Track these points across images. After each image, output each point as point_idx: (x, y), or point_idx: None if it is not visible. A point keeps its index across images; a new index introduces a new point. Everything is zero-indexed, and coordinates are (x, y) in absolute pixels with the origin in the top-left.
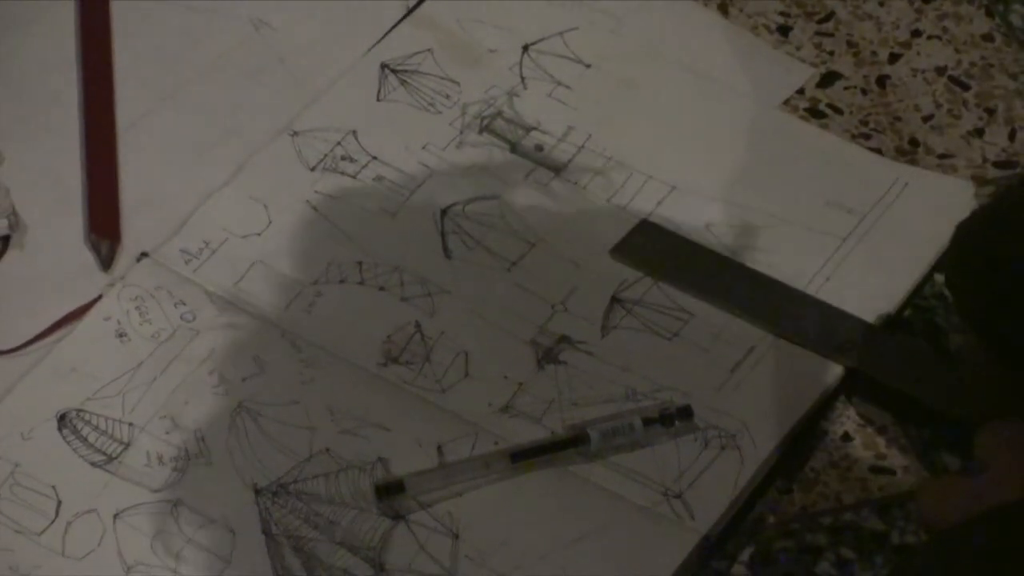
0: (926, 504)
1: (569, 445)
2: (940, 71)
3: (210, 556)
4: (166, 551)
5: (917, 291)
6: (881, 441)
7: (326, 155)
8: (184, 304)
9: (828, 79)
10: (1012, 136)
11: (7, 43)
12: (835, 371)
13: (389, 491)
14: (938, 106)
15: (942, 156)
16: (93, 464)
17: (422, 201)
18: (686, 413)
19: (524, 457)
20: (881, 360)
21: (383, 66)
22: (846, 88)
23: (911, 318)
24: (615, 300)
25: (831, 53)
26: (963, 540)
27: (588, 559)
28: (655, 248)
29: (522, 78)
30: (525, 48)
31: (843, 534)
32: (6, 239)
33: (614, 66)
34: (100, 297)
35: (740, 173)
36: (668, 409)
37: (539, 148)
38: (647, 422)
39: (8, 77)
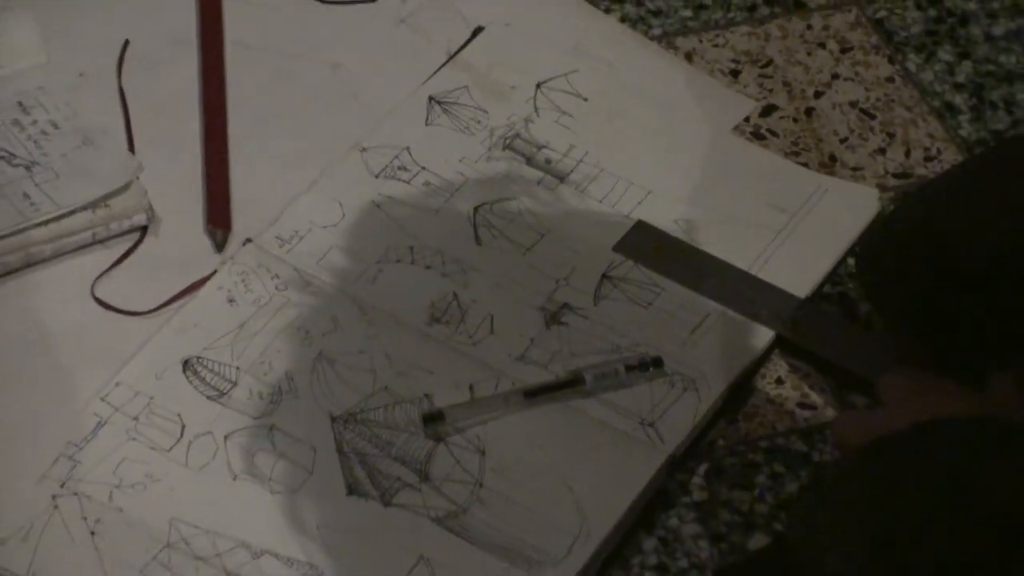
0: (839, 432)
1: (569, 385)
2: (853, 104)
3: (297, 468)
4: (264, 464)
5: (834, 271)
6: (805, 384)
7: (387, 166)
8: (278, 278)
9: (768, 110)
10: (908, 154)
11: (147, 81)
12: (770, 334)
13: (433, 419)
14: (851, 131)
15: (854, 169)
16: (209, 398)
17: (459, 201)
18: (658, 363)
19: (535, 394)
20: (805, 328)
21: (430, 98)
22: (781, 117)
23: (828, 292)
24: (605, 277)
25: (770, 90)
26: (863, 458)
27: (583, 471)
28: (645, 242)
29: (536, 108)
30: (538, 85)
31: (776, 454)
32: (144, 229)
33: (606, 100)
34: (215, 272)
35: (701, 181)
36: (644, 359)
37: (548, 161)
38: (628, 369)
39: (148, 107)
